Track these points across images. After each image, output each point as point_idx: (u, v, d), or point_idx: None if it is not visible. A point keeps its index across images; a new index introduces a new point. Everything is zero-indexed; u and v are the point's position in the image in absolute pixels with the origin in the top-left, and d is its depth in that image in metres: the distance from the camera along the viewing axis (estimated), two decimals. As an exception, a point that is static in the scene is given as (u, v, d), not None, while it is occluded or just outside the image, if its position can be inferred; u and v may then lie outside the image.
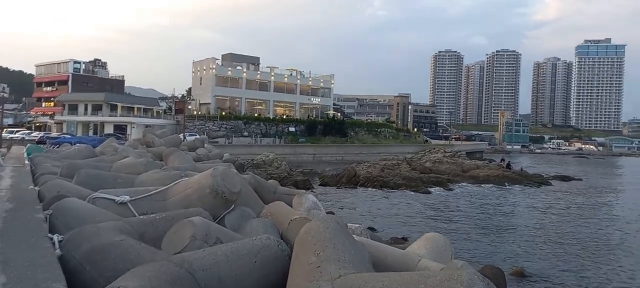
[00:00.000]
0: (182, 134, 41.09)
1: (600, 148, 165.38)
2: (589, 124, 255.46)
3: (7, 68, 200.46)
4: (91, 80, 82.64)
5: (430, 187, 32.71)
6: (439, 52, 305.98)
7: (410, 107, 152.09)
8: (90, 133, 61.12)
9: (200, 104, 73.88)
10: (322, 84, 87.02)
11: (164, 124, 60.26)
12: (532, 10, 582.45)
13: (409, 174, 36.26)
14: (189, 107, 72.41)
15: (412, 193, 30.53)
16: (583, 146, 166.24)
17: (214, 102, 72.58)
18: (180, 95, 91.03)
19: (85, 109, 68.09)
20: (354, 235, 5.40)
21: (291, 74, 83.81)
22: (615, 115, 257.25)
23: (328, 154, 59.85)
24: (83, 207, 5.99)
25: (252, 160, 41.13)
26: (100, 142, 23.06)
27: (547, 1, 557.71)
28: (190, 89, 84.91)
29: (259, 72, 79.70)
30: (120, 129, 60.05)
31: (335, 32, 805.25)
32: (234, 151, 41.31)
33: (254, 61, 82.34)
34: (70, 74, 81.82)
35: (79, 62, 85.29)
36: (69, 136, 47.69)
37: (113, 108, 67.16)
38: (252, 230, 6.18)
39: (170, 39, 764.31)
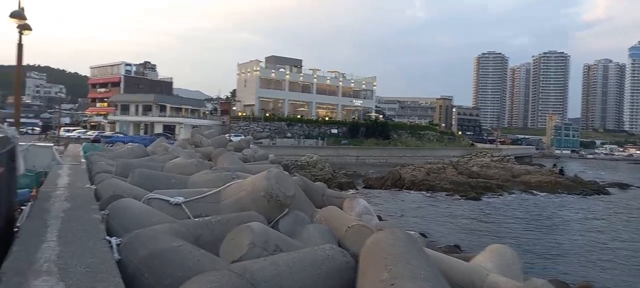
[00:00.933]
0: (227, 135, 41.76)
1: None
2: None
3: (63, 70, 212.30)
4: (142, 82, 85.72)
5: (480, 193, 31.43)
6: (482, 53, 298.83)
7: (454, 110, 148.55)
8: (141, 132, 63.26)
9: (244, 106, 75.03)
10: (364, 86, 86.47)
11: (210, 124, 61.57)
12: (580, 9, 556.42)
13: (456, 179, 35.00)
14: (234, 108, 73.77)
15: (461, 198, 29.41)
16: (636, 152, 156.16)
17: (258, 104, 73.50)
18: (225, 97, 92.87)
19: (136, 109, 70.60)
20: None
21: (333, 76, 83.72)
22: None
23: (371, 156, 59.19)
24: (138, 208, 5.96)
25: (296, 161, 41.19)
26: (151, 142, 23.64)
27: (596, 0, 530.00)
28: (234, 90, 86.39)
29: (301, 74, 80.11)
30: (169, 129, 61.82)
31: (374, 34, 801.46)
32: (278, 152, 41.57)
33: (296, 63, 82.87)
34: (122, 76, 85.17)
35: (130, 65, 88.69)
36: (121, 135, 49.40)
37: (162, 109, 69.31)
38: (309, 237, 5.94)
39: (212, 42, 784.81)
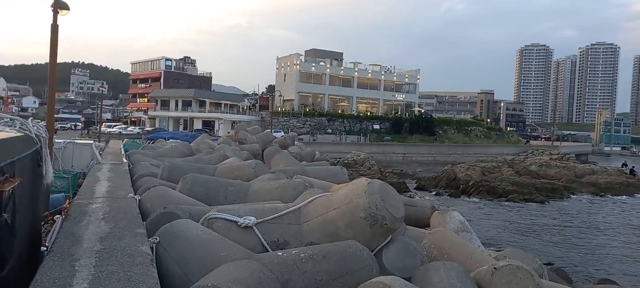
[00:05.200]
0: (267, 130, 40.34)
1: None
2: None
3: (106, 67, 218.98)
4: (181, 77, 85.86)
5: (547, 195, 28.35)
6: (526, 46, 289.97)
7: (502, 105, 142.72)
8: (180, 128, 63.04)
9: (284, 100, 73.73)
10: (407, 79, 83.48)
11: (249, 120, 60.73)
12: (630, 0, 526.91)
13: (517, 179, 32.07)
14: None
15: (532, 204, 26.39)
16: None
17: (298, 99, 72.04)
18: (262, 93, 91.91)
19: (176, 104, 70.51)
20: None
21: (375, 70, 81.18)
22: None
23: (418, 154, 56.67)
24: (198, 235, 4.43)
25: (340, 158, 39.24)
26: (193, 138, 22.52)
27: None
28: (271, 86, 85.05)
29: (342, 68, 77.95)
30: (208, 125, 61.30)
31: (411, 28, 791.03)
32: (319, 149, 39.79)
33: (337, 57, 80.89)
34: (163, 71, 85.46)
35: (170, 60, 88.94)
36: (165, 132, 48.96)
37: (201, 104, 68.91)
38: (443, 283, 4.13)
39: (249, 38, 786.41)
